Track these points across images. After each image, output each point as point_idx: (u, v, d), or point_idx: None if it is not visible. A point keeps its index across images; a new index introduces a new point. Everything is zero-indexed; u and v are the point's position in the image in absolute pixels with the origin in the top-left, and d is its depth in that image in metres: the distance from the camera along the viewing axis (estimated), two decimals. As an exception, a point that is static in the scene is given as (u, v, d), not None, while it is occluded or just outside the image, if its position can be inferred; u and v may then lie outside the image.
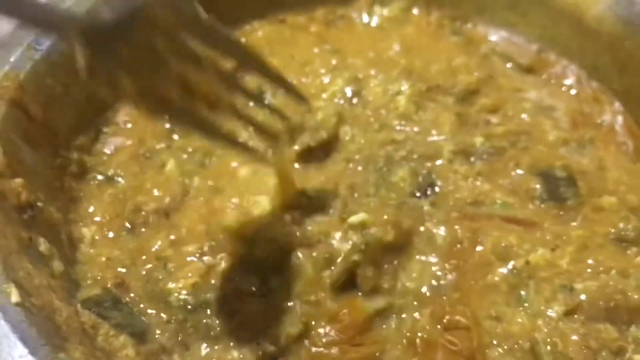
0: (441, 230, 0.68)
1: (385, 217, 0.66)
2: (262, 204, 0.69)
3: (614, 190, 0.73)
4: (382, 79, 0.84)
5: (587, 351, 0.59)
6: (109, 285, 0.64)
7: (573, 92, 0.87)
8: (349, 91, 0.82)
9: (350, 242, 0.64)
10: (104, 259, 0.67)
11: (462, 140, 0.77)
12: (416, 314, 0.63)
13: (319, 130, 0.76)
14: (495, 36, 0.93)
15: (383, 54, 0.90)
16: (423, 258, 0.66)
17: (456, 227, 0.68)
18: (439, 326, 0.61)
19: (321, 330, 0.62)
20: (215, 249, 0.67)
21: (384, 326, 0.63)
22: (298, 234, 0.66)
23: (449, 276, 0.65)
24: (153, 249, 0.67)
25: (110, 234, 0.69)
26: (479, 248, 0.67)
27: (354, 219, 0.65)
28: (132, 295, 0.64)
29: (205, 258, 0.66)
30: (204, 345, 0.61)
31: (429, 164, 0.75)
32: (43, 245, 0.61)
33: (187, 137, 0.78)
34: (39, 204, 0.63)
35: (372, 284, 0.64)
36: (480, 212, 0.70)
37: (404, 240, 0.67)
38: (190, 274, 0.65)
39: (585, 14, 0.84)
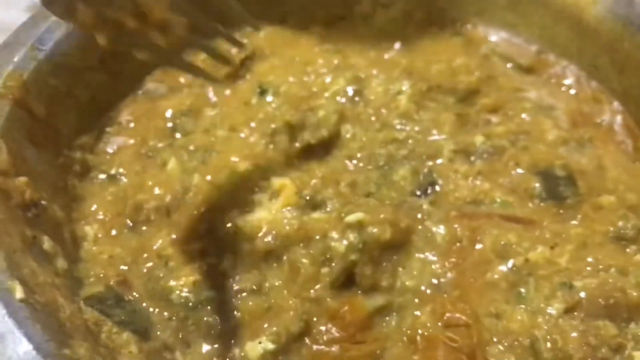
0: (441, 229, 0.69)
1: (383, 216, 0.66)
2: (262, 201, 0.70)
3: (613, 189, 0.74)
4: (384, 78, 0.85)
5: (586, 348, 0.59)
6: (111, 283, 0.65)
7: (572, 92, 0.87)
8: (350, 90, 0.82)
9: (346, 241, 0.65)
10: (106, 256, 0.67)
11: (463, 140, 0.78)
12: (417, 312, 0.63)
13: (319, 128, 0.76)
14: (495, 37, 0.93)
15: (384, 54, 0.90)
16: (423, 256, 0.67)
17: (455, 225, 0.69)
18: (439, 323, 0.62)
19: (322, 328, 0.62)
20: (216, 247, 0.67)
21: (384, 324, 0.63)
22: (297, 231, 0.66)
23: (449, 274, 0.66)
24: (154, 247, 0.68)
25: (113, 232, 0.70)
26: (478, 246, 0.68)
27: (351, 218, 0.66)
28: (134, 292, 0.65)
29: (206, 256, 0.67)
30: (205, 342, 0.62)
31: (429, 163, 0.76)
32: (47, 243, 0.61)
33: (189, 135, 0.79)
34: (43, 202, 0.64)
35: (370, 282, 0.64)
36: (480, 210, 0.71)
37: (402, 239, 0.67)
38: (191, 272, 0.65)
39: (584, 14, 0.85)
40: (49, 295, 0.56)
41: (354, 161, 0.76)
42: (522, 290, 0.65)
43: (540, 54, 0.90)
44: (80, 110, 0.76)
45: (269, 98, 0.82)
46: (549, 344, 0.60)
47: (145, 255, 0.67)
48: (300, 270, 0.64)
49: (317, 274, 0.64)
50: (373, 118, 0.80)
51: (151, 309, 0.64)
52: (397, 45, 0.92)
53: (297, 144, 0.76)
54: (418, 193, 0.73)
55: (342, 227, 0.66)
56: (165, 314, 0.63)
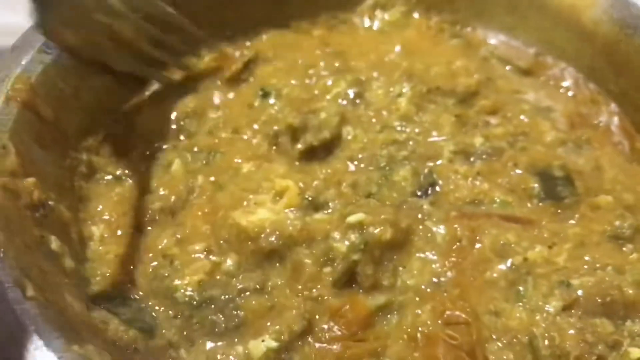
0: (441, 229, 0.70)
1: (384, 216, 0.67)
2: (265, 202, 0.71)
3: (610, 189, 0.75)
4: (384, 81, 0.86)
5: (583, 345, 0.61)
6: (117, 282, 0.65)
7: (570, 93, 0.88)
8: (351, 93, 0.84)
9: (348, 242, 0.65)
10: (112, 256, 0.68)
11: (462, 141, 0.79)
12: (417, 310, 0.64)
13: (321, 130, 0.77)
14: (494, 39, 0.94)
15: (385, 57, 0.91)
16: (423, 256, 0.68)
17: (455, 225, 0.70)
18: (439, 321, 0.63)
19: (324, 326, 0.63)
20: (220, 246, 0.68)
21: (385, 322, 0.64)
22: (300, 231, 0.67)
23: (449, 273, 0.67)
24: (159, 247, 0.69)
25: (119, 232, 0.70)
26: (478, 246, 0.69)
27: (352, 218, 0.67)
28: (140, 291, 0.66)
29: (210, 256, 0.68)
30: (209, 340, 0.63)
31: (430, 164, 0.77)
32: (55, 243, 0.62)
33: (193, 137, 0.80)
34: (50, 203, 0.65)
35: (372, 281, 0.65)
36: (479, 210, 0.72)
37: (403, 238, 0.68)
38: (195, 271, 0.66)
39: (581, 17, 0.86)
40: (57, 293, 0.57)
41: (355, 162, 0.77)
42: (521, 288, 0.66)
43: (538, 56, 0.91)
44: (86, 113, 0.76)
45: (272, 100, 0.83)
46: (547, 341, 0.61)
47: (150, 254, 0.68)
48: (303, 270, 0.65)
49: (320, 273, 0.65)
50: (374, 120, 0.81)
51: (156, 308, 0.65)
52: (397, 48, 0.93)
53: (299, 146, 0.77)
54: (418, 193, 0.74)
55: (343, 227, 0.66)
56: (170, 312, 0.64)
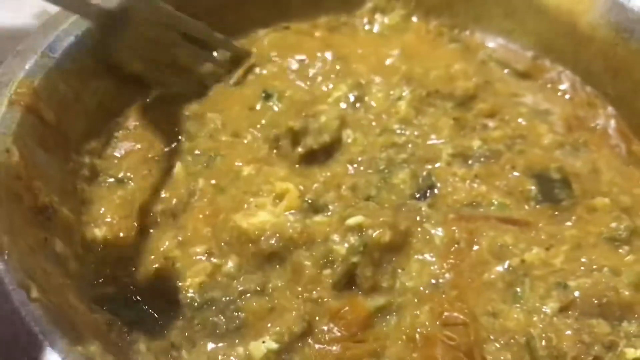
0: (439, 231, 0.71)
1: (382, 219, 0.68)
2: (266, 204, 0.72)
3: (607, 192, 0.76)
4: (384, 84, 0.86)
5: (580, 345, 0.61)
6: (120, 284, 0.66)
7: (568, 96, 0.89)
8: (352, 97, 0.84)
9: (347, 244, 0.66)
10: (114, 258, 0.69)
11: (460, 144, 0.80)
12: (416, 311, 0.65)
13: (322, 133, 0.78)
14: (492, 43, 0.95)
15: (385, 60, 0.92)
16: (421, 258, 0.69)
17: (453, 228, 0.71)
18: (437, 322, 0.63)
19: (324, 328, 0.64)
20: (221, 249, 0.69)
21: (384, 323, 0.65)
22: (300, 234, 0.68)
23: (447, 275, 0.67)
24: (161, 249, 0.69)
25: (121, 234, 0.71)
26: (475, 248, 0.69)
27: (352, 221, 0.67)
28: (142, 293, 0.66)
29: (211, 258, 0.68)
30: (210, 342, 0.63)
31: (428, 167, 0.77)
32: (58, 246, 0.63)
33: (194, 140, 0.81)
34: (54, 205, 0.65)
35: (371, 283, 0.66)
36: (477, 213, 0.73)
37: (401, 241, 0.69)
38: (197, 273, 0.67)
39: (579, 21, 0.86)
40: (61, 295, 0.57)
41: (355, 165, 0.77)
42: (518, 290, 0.66)
43: (536, 59, 0.92)
44: (88, 116, 0.77)
45: (273, 103, 0.84)
46: (544, 342, 0.62)
47: (152, 257, 0.69)
48: (303, 272, 0.66)
49: (319, 275, 0.66)
50: (374, 123, 0.82)
51: (158, 309, 0.65)
52: (397, 51, 0.93)
53: (299, 149, 0.77)
54: (417, 196, 0.74)
55: (343, 230, 0.67)
56: (172, 313, 0.65)
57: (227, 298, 0.65)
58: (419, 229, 0.71)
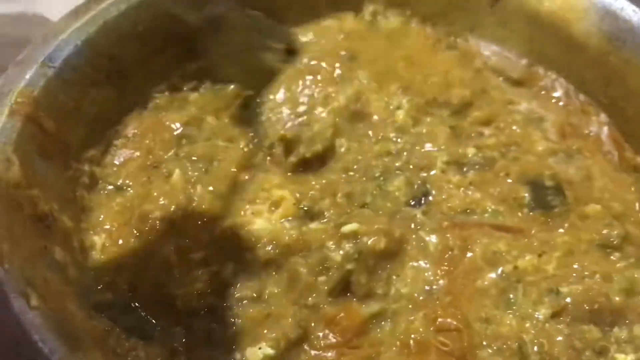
0: (433, 238, 0.71)
1: (377, 226, 0.68)
2: (262, 211, 0.72)
3: (599, 198, 0.76)
4: (382, 93, 0.86)
5: (571, 351, 0.62)
6: (119, 290, 0.67)
7: (561, 104, 0.89)
8: (349, 105, 0.84)
9: (343, 251, 0.67)
10: (114, 265, 0.69)
11: (455, 151, 0.80)
12: (410, 317, 0.65)
13: (314, 142, 0.78)
14: (487, 51, 0.95)
15: (387, 66, 0.91)
16: (416, 264, 0.69)
17: (447, 235, 0.71)
18: (431, 328, 0.64)
19: (320, 334, 0.64)
20: (218, 256, 0.69)
21: (379, 329, 0.65)
22: (296, 241, 0.69)
23: (441, 281, 0.68)
24: (160, 256, 0.70)
25: (120, 241, 0.71)
26: (469, 254, 0.70)
27: (347, 228, 0.68)
28: (140, 300, 0.67)
29: (209, 265, 0.69)
30: (208, 348, 0.64)
31: (423, 174, 0.78)
32: (58, 253, 0.63)
33: (192, 144, 0.81)
34: (53, 213, 0.66)
35: (366, 289, 0.67)
36: (471, 220, 0.73)
37: (396, 248, 0.69)
38: (194, 280, 0.68)
39: (572, 30, 0.87)
40: (60, 302, 0.58)
41: (350, 173, 0.77)
42: (511, 296, 0.67)
43: (530, 67, 0.92)
44: (88, 125, 0.78)
45: (267, 109, 0.84)
46: (536, 347, 0.63)
47: (150, 263, 0.69)
48: (299, 279, 0.67)
49: (315, 282, 0.67)
50: (370, 132, 0.82)
51: (157, 316, 0.66)
52: (400, 57, 0.93)
53: (292, 158, 0.77)
54: (412, 203, 0.75)
55: (338, 237, 0.68)
56: (170, 320, 0.65)
57: (224, 304, 0.66)
58: (414, 236, 0.71)
